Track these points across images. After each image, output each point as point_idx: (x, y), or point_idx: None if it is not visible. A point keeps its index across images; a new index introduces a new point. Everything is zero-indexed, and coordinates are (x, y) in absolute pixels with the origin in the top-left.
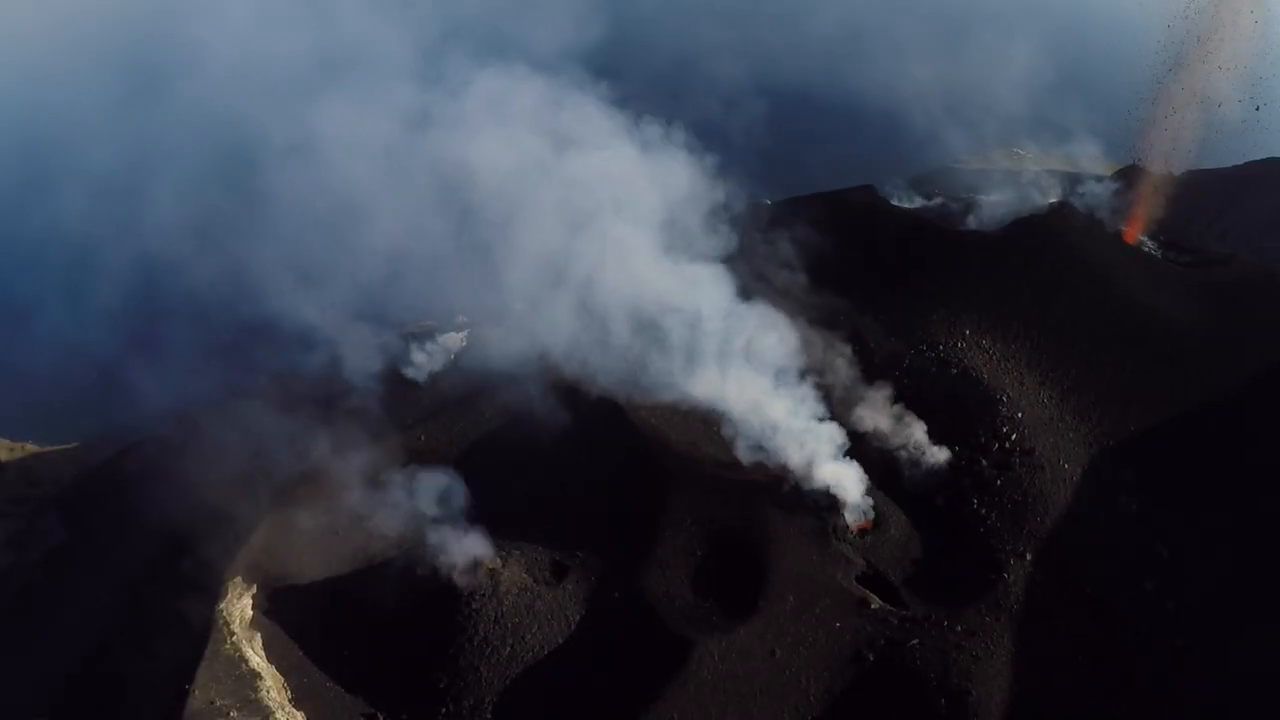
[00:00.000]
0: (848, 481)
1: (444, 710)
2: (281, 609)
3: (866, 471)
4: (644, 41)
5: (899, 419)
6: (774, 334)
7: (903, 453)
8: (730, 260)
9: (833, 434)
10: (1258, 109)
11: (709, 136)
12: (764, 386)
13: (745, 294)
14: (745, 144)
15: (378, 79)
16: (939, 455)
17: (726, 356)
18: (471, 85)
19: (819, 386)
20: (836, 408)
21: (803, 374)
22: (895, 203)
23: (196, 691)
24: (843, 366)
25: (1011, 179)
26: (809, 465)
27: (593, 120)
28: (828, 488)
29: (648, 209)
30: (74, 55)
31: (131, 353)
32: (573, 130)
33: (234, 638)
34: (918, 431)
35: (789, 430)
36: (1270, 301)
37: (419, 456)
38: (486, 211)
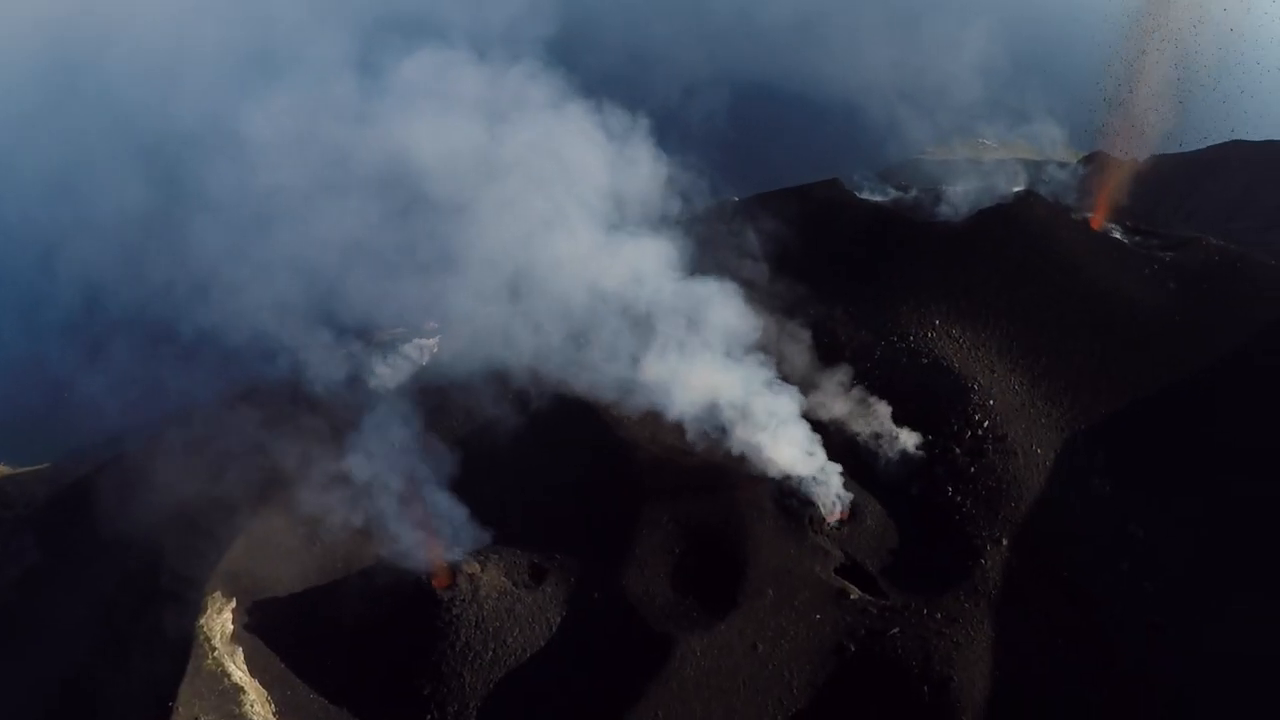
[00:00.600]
0: (797, 450)
1: (429, 717)
2: (262, 622)
3: (839, 462)
4: (604, 39)
5: (861, 402)
6: (730, 312)
7: (866, 436)
8: (697, 257)
9: (787, 405)
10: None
11: (672, 135)
12: (717, 364)
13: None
14: (709, 141)
15: (320, 76)
16: (907, 438)
17: (681, 336)
18: (435, 77)
19: (779, 372)
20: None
21: (761, 358)
22: (862, 195)
23: (180, 708)
24: (802, 354)
25: (977, 169)
26: (764, 440)
27: (551, 112)
28: (788, 470)
29: (603, 196)
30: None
31: (97, 369)
32: (531, 122)
33: (215, 653)
34: (882, 413)
35: (742, 407)
36: (1236, 283)
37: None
38: (443, 210)
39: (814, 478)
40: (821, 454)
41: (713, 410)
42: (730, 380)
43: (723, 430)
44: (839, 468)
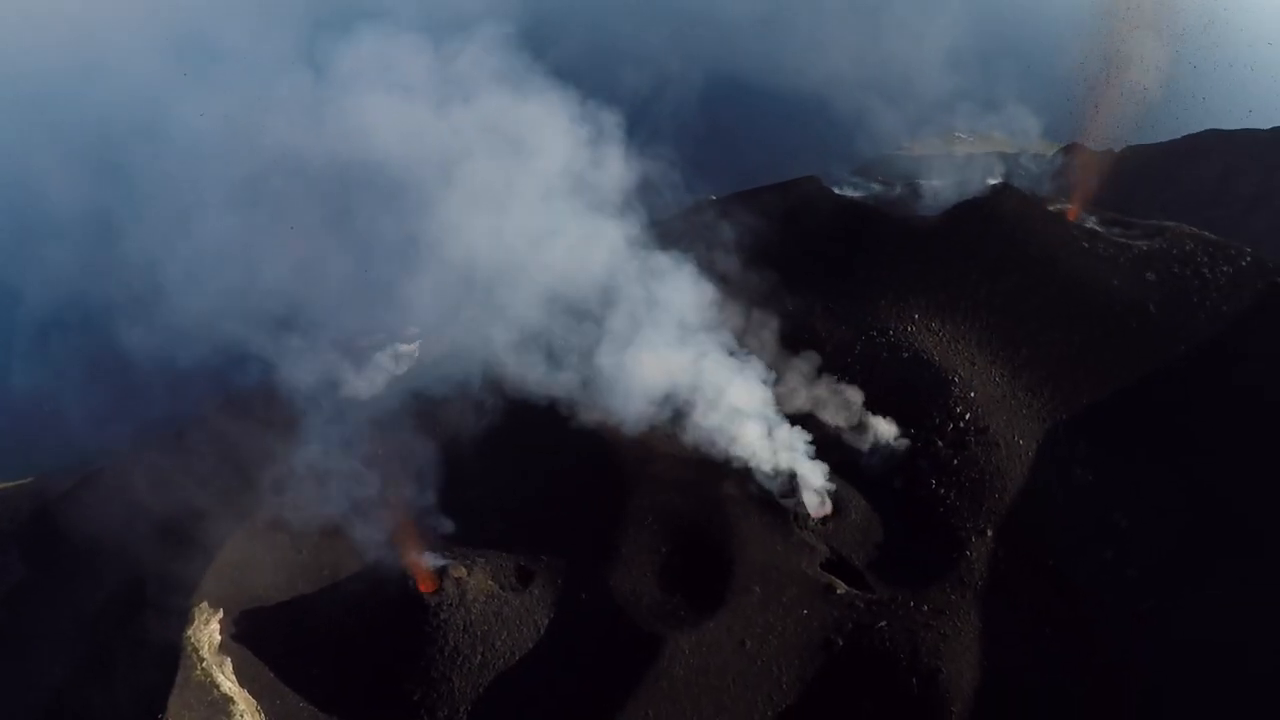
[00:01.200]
0: (758, 438)
1: None
2: (250, 631)
3: (822, 459)
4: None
5: (841, 397)
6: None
7: (848, 431)
8: (676, 255)
9: (755, 392)
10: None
11: (650, 133)
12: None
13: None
14: (687, 139)
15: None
16: (888, 432)
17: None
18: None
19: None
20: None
21: (734, 348)
22: (840, 192)
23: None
24: (781, 350)
25: (954, 163)
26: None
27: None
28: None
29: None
30: None
31: (77, 382)
32: (504, 118)
33: (204, 663)
34: (862, 407)
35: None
36: (1212, 272)
37: (376, 470)
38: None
39: (776, 455)
40: (784, 429)
41: (683, 395)
42: (702, 367)
43: (691, 417)
44: (805, 436)
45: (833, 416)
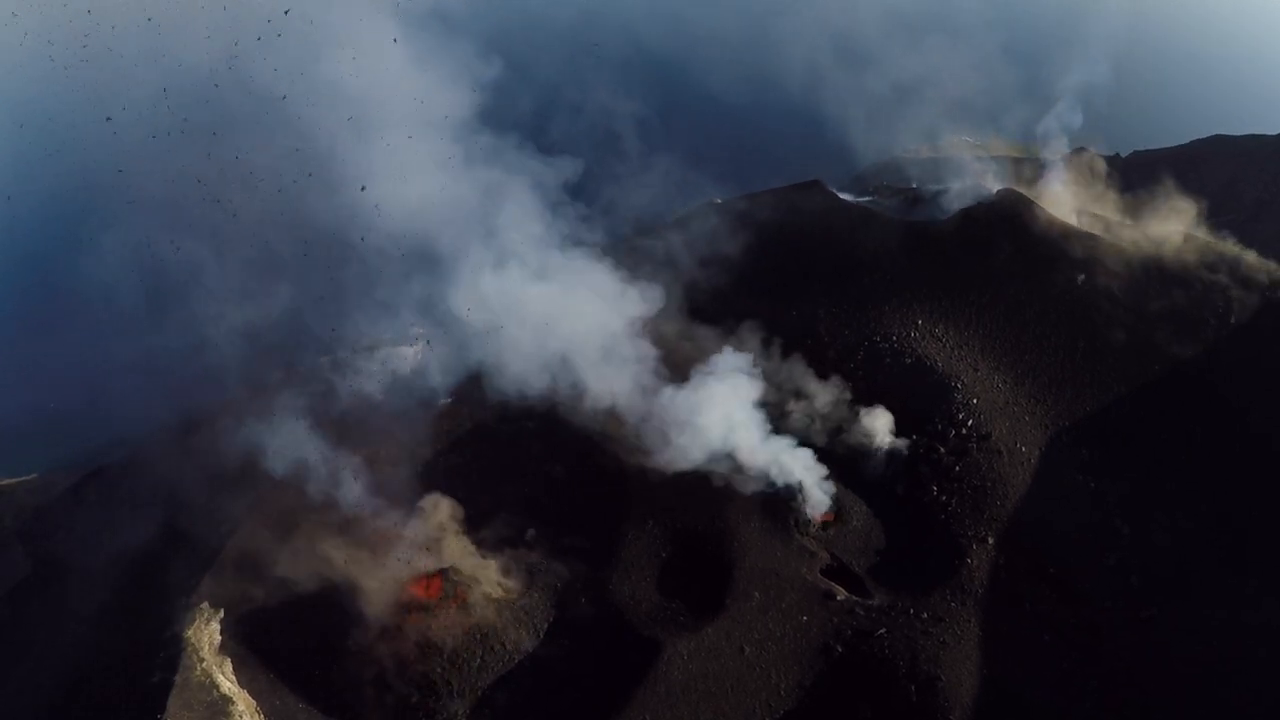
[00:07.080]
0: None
1: None
2: (251, 632)
3: (825, 464)
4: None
5: (845, 403)
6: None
7: (851, 437)
8: (679, 258)
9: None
10: None
11: (654, 136)
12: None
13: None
14: (691, 143)
15: None
16: (891, 438)
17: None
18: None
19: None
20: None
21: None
22: (843, 196)
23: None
24: (786, 356)
25: (959, 167)
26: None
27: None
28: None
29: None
30: None
31: (83, 379)
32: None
33: (204, 663)
34: (865, 416)
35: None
36: (1218, 277)
37: (378, 471)
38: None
39: (778, 459)
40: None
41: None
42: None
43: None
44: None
45: (844, 427)
